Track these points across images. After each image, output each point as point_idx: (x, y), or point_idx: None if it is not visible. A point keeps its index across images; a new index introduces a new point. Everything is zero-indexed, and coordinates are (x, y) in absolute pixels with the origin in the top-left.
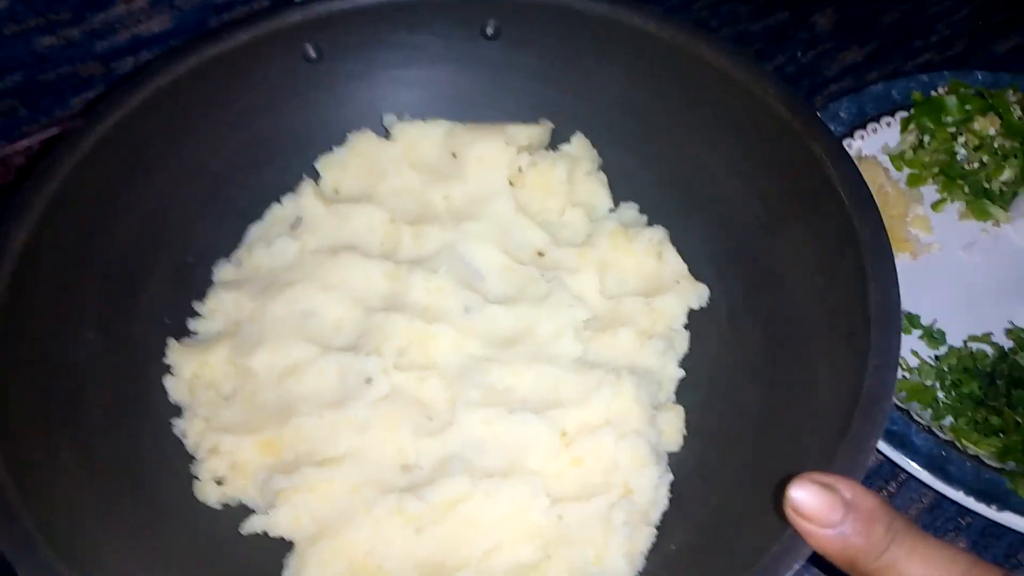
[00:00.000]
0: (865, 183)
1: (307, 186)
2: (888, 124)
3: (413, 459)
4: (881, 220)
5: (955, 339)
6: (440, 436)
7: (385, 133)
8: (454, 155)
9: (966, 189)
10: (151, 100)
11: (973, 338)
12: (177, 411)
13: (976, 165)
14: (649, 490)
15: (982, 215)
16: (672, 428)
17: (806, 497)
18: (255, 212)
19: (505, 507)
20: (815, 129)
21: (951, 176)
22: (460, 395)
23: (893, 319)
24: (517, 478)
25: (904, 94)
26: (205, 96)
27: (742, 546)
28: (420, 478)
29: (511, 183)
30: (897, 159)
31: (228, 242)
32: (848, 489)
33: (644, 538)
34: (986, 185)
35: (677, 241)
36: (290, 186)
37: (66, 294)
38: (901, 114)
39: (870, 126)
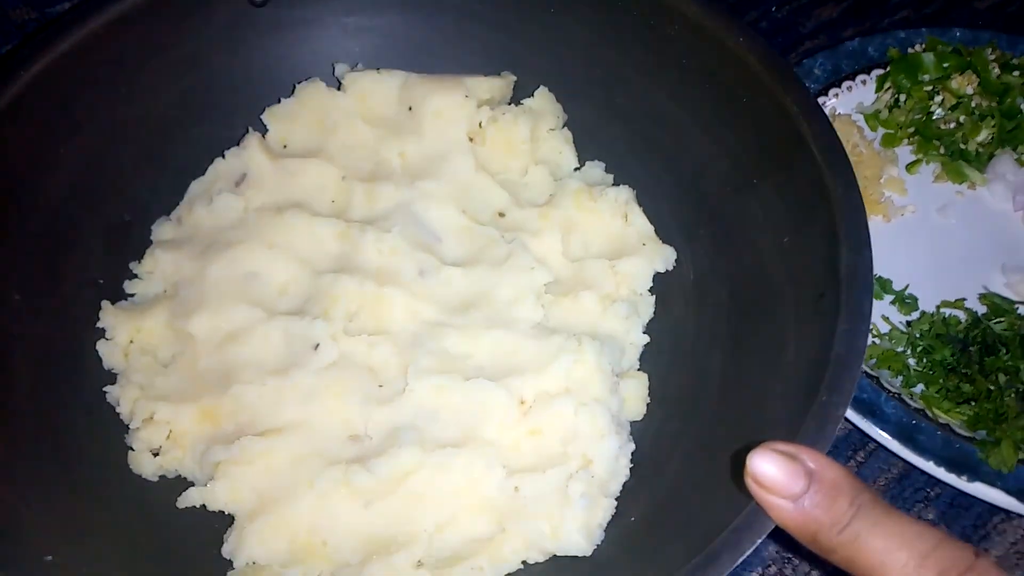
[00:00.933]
0: (839, 140)
1: (253, 139)
2: (864, 82)
3: (362, 429)
4: (854, 178)
5: (928, 304)
6: (391, 405)
7: (336, 84)
8: (410, 108)
9: (941, 150)
10: (81, 45)
11: (946, 303)
12: (111, 378)
13: (952, 125)
14: (609, 461)
15: (957, 177)
16: (635, 396)
17: (767, 467)
18: (196, 167)
19: (458, 479)
20: (788, 83)
21: (927, 136)
22: (413, 362)
23: (864, 281)
24: (472, 449)
25: (880, 51)
26: (141, 42)
27: (704, 519)
28: (369, 449)
29: (470, 139)
30: (872, 118)
31: (168, 199)
32: (812, 459)
33: (603, 510)
34: (962, 146)
35: (644, 201)
36: (234, 140)
37: None
38: (877, 72)
39: (845, 84)
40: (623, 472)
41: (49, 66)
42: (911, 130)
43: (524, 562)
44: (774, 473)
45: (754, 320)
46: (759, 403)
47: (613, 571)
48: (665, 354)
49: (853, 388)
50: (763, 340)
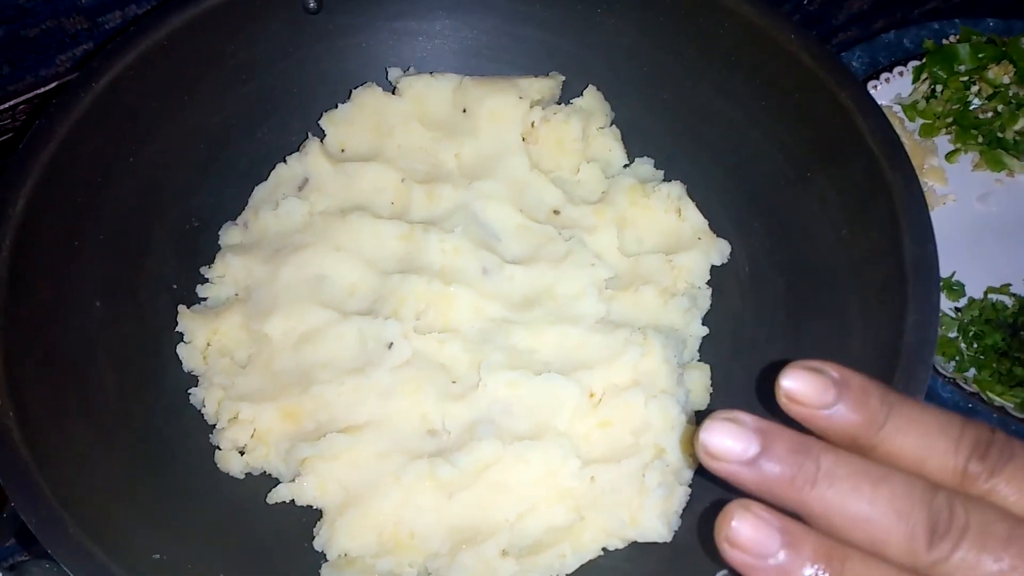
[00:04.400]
0: (896, 135)
1: (313, 145)
2: (900, 74)
3: (439, 424)
4: (914, 172)
5: (974, 291)
6: (465, 400)
7: (391, 88)
8: (464, 111)
9: (980, 139)
10: (145, 57)
11: (992, 289)
12: (193, 380)
13: (990, 114)
14: (680, 440)
15: (996, 165)
16: (699, 386)
17: (796, 383)
18: (259, 173)
19: (536, 470)
20: (841, 77)
21: (964, 126)
22: (483, 358)
23: (931, 273)
24: (547, 440)
25: (916, 43)
26: (201, 52)
27: None
28: (448, 443)
29: (523, 139)
30: (910, 109)
31: (232, 205)
32: (836, 370)
33: (679, 498)
34: (1000, 135)
35: (695, 196)
36: (294, 145)
37: (69, 261)
38: (913, 63)
39: (883, 76)
40: (691, 460)
41: (117, 78)
42: (949, 120)
43: (604, 549)
44: (804, 387)
45: (815, 310)
46: None
47: (692, 556)
48: (725, 345)
49: (927, 378)
50: (826, 330)
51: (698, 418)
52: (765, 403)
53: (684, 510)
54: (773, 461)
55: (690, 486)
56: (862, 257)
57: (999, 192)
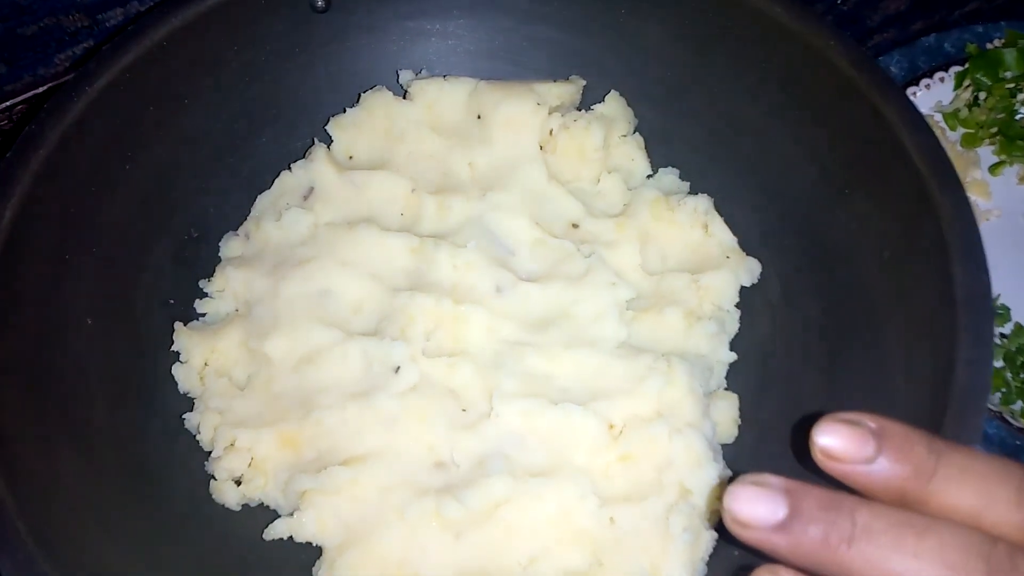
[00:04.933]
0: (944, 152)
1: (319, 151)
2: (941, 80)
3: (447, 456)
4: (964, 193)
5: (1020, 314)
6: (476, 430)
7: (402, 92)
8: (479, 117)
9: None
10: (144, 58)
11: None
12: (188, 403)
13: None
14: (708, 491)
15: None
16: (726, 417)
17: (832, 438)
18: (262, 181)
19: (551, 509)
20: (884, 88)
21: (1010, 136)
22: (496, 384)
23: (986, 306)
24: (563, 477)
25: (958, 47)
26: (203, 53)
27: None
28: (456, 477)
29: (540, 148)
30: (951, 118)
31: (234, 215)
32: (873, 420)
33: (704, 544)
34: None
35: (723, 211)
36: (299, 152)
37: (60, 275)
38: (955, 69)
39: (923, 82)
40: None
41: (113, 81)
42: (993, 130)
43: None
44: (841, 442)
45: (852, 340)
46: None
47: None
48: (754, 373)
49: (981, 424)
50: (865, 362)
51: (724, 452)
52: (801, 452)
53: (711, 557)
54: (804, 522)
55: (717, 530)
56: (906, 283)
57: None
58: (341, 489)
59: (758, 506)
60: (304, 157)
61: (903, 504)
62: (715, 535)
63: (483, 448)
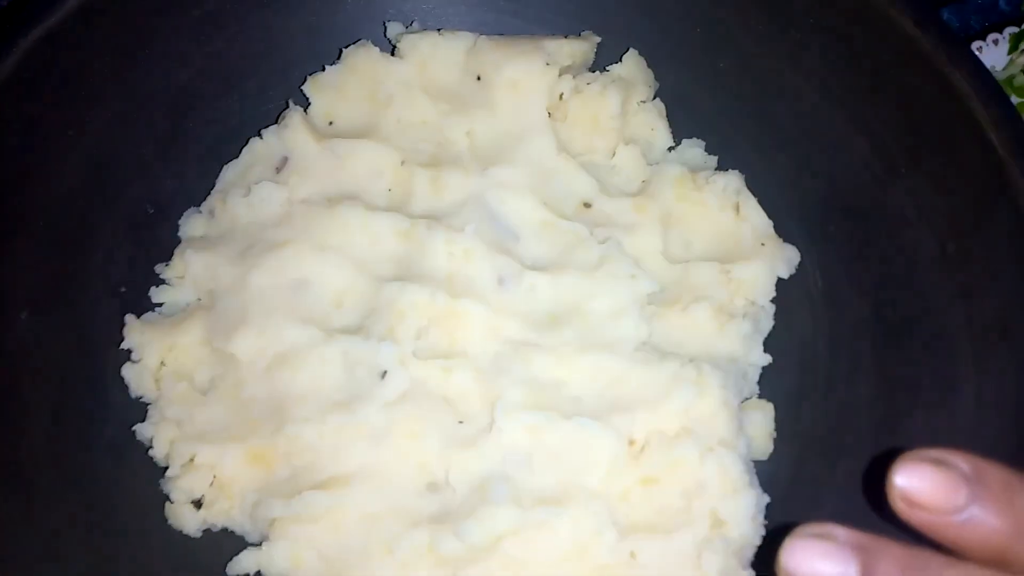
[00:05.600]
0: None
1: (294, 116)
2: (995, 42)
3: (442, 476)
4: None
5: None
6: (475, 447)
7: (390, 48)
8: (478, 78)
9: None
10: (84, 9)
11: None
12: (141, 410)
13: None
14: (745, 521)
15: None
16: (761, 431)
17: (915, 480)
18: (228, 150)
19: (562, 542)
20: (954, 52)
21: None
22: (498, 393)
23: None
24: (576, 504)
25: (1013, 4)
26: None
27: None
28: (452, 503)
29: (549, 115)
30: (1007, 84)
31: (196, 188)
32: (965, 460)
33: None
34: None
35: (756, 190)
36: (271, 116)
37: None
38: (1011, 29)
39: (975, 44)
40: (759, 533)
41: (51, 31)
42: None
43: None
44: (926, 486)
45: (910, 345)
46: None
47: None
48: (792, 378)
49: None
50: (926, 372)
51: (758, 471)
52: (871, 489)
53: None
54: None
55: (753, 566)
56: (976, 281)
57: None
58: (319, 516)
59: (823, 565)
60: (277, 122)
61: (1002, 566)
62: (753, 574)
63: (483, 468)
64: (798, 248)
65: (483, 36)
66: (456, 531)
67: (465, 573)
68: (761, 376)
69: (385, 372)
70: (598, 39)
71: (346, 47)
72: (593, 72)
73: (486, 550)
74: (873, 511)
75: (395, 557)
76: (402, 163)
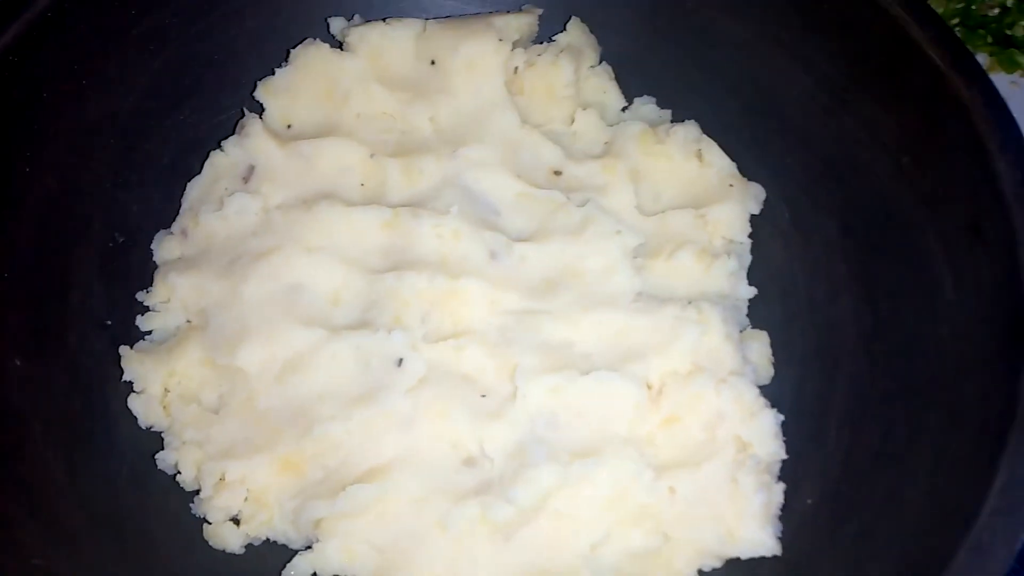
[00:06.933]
0: (963, 43)
1: (252, 123)
2: None
3: (477, 450)
4: (993, 85)
5: None
6: (503, 417)
7: (337, 44)
8: (432, 63)
9: (989, 39)
10: (28, 36)
11: None
12: (156, 439)
13: (997, 10)
14: (768, 440)
15: (1009, 66)
16: (760, 358)
17: None
18: (188, 166)
19: (603, 490)
20: None
21: (971, 25)
22: (514, 362)
23: None
24: (610, 453)
25: None
26: (96, 22)
27: (907, 491)
28: (492, 473)
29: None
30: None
31: (162, 209)
32: None
33: (777, 499)
34: (1009, 31)
35: (713, 136)
36: (228, 127)
37: None
38: None
39: None
40: (783, 448)
41: None
42: (955, 21)
43: (700, 571)
44: None
45: (883, 256)
46: (923, 349)
47: (809, 569)
48: (776, 308)
49: None
50: (903, 278)
51: (764, 394)
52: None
53: (783, 511)
54: None
55: (780, 478)
56: (937, 189)
57: (1016, 96)
58: (365, 509)
59: None
60: (235, 132)
61: None
62: (783, 487)
63: (515, 436)
64: (760, 184)
65: (430, 20)
66: (505, 497)
67: (519, 536)
68: (748, 309)
69: (400, 360)
70: (539, 11)
71: (293, 48)
72: (540, 44)
73: (535, 510)
74: (877, 407)
75: (449, 533)
76: (371, 156)
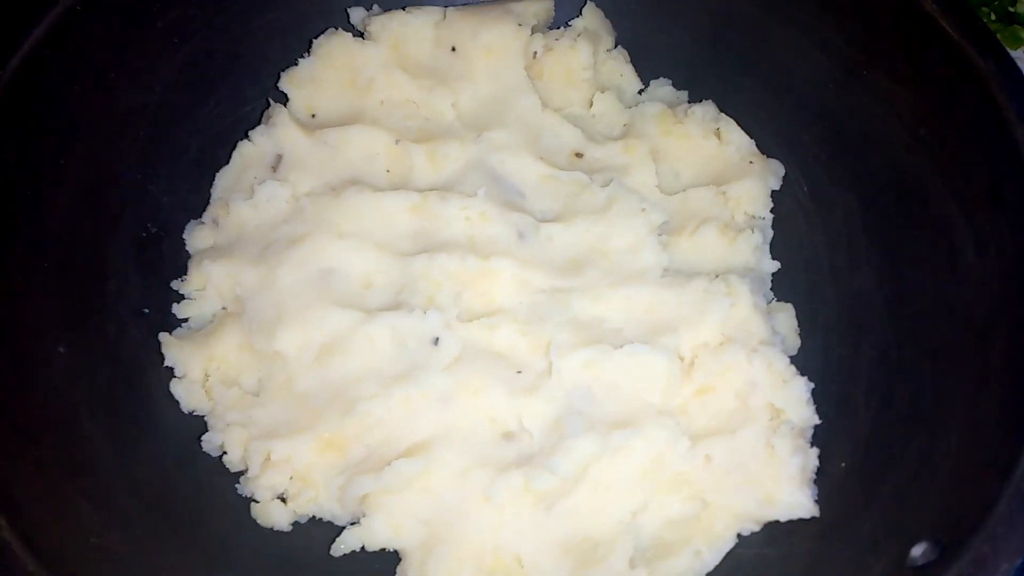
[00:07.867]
0: (975, 12)
1: (278, 113)
2: None
3: (515, 424)
4: (1007, 52)
5: None
6: (539, 391)
7: (359, 33)
8: (453, 49)
9: (992, 16)
10: (56, 32)
11: None
12: (199, 423)
13: None
14: (800, 406)
15: (1013, 42)
16: (787, 328)
17: None
18: (216, 156)
19: (641, 458)
20: None
21: (974, 3)
22: (547, 338)
23: None
24: (646, 423)
25: None
26: (121, 16)
27: (936, 452)
28: (531, 446)
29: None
30: None
31: (192, 200)
32: None
33: (812, 462)
34: (1011, 9)
35: (729, 114)
36: (254, 117)
37: (13, 308)
38: None
39: None
40: (815, 414)
41: (25, 62)
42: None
43: (739, 535)
44: None
45: (904, 226)
46: (947, 313)
47: (844, 530)
48: (799, 278)
49: None
50: (924, 246)
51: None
52: None
53: (817, 475)
54: None
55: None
56: (955, 157)
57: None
58: (409, 483)
59: None
60: (261, 122)
61: None
62: (817, 451)
63: (552, 409)
64: (779, 160)
65: (450, 8)
66: (546, 467)
67: (561, 506)
68: (772, 283)
69: (436, 339)
70: None
71: (315, 38)
72: (557, 29)
73: (575, 479)
74: (905, 371)
75: (493, 503)
76: (396, 142)
